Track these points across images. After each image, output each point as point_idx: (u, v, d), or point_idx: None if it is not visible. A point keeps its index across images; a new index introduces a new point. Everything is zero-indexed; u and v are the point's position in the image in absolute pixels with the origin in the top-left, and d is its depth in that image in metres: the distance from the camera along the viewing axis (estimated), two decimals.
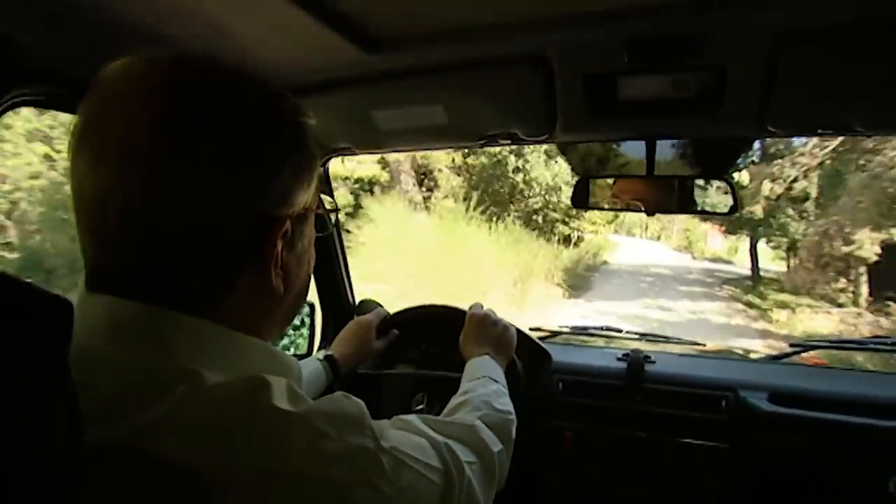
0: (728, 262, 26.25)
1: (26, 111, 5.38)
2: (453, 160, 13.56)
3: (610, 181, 1.44)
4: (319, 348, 1.58)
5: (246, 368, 0.51)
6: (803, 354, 1.63)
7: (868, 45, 0.88)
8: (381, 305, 1.63)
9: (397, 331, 1.44)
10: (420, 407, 1.30)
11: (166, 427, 0.42)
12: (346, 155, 1.55)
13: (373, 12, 0.91)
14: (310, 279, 0.65)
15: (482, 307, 1.28)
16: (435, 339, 1.46)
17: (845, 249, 11.15)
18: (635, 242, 37.62)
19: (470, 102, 1.20)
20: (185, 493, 0.41)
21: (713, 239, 31.78)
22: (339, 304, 1.77)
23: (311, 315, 1.61)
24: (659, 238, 42.96)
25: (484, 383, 0.99)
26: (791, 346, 1.60)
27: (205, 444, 0.42)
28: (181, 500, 0.41)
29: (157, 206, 0.46)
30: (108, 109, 0.47)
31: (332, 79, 1.13)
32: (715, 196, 1.34)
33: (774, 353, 1.68)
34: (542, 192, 15.28)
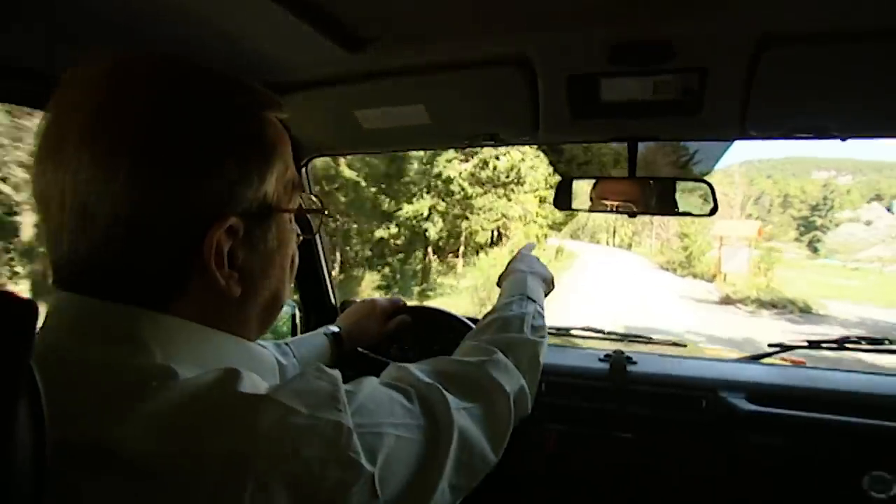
0: (806, 311, 15.59)
1: None
2: None
3: (592, 182, 1.44)
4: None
5: (218, 363, 0.50)
6: (782, 354, 1.65)
7: (847, 52, 0.90)
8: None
9: (409, 319, 1.38)
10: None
11: (137, 424, 0.42)
12: (327, 155, 1.55)
13: (356, 12, 0.91)
14: (287, 284, 0.63)
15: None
16: (420, 343, 1.45)
17: None
18: (600, 253, 30.60)
19: (452, 103, 1.20)
20: (156, 491, 0.40)
21: (732, 253, 21.02)
22: (322, 304, 1.75)
23: (292, 316, 1.60)
24: (630, 246, 35.90)
25: (520, 303, 0.93)
26: (770, 346, 1.62)
27: (173, 438, 0.42)
28: (153, 498, 0.40)
29: (89, 202, 0.47)
30: (54, 113, 0.49)
31: (314, 78, 1.12)
32: (695, 197, 1.35)
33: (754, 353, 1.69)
34: None
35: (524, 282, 1.00)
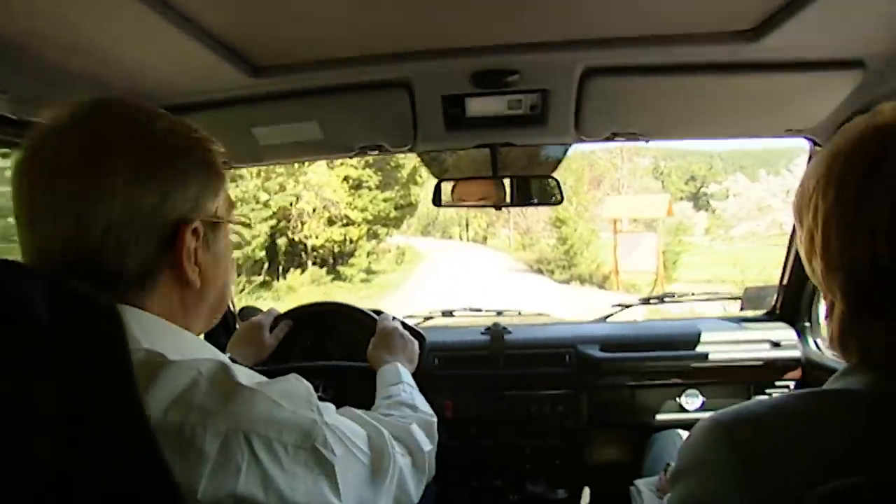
0: None
1: None
2: None
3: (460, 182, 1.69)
4: None
5: (194, 354, 0.62)
6: (625, 311, 2.05)
7: (647, 80, 1.21)
8: (260, 310, 1.73)
9: (290, 322, 1.54)
10: (318, 395, 1.42)
11: (159, 398, 0.53)
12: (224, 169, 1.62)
13: (257, 42, 1.05)
14: (229, 283, 0.77)
15: (391, 318, 1.46)
16: (318, 335, 1.60)
17: None
18: (452, 250, 25.27)
19: (343, 119, 1.37)
20: (175, 452, 0.52)
21: (633, 243, 14.09)
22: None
23: None
24: (485, 239, 30.50)
25: (405, 389, 1.13)
26: (613, 306, 2.02)
27: (190, 413, 0.54)
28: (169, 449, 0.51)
29: (85, 215, 0.58)
30: (40, 147, 0.60)
31: (216, 99, 1.22)
32: (547, 190, 1.65)
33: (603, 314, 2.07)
34: None
35: (397, 372, 1.20)
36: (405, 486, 0.82)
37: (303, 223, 14.11)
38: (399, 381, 1.17)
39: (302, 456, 0.60)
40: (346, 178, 15.25)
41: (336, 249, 15.18)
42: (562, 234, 17.86)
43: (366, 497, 0.72)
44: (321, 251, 14.37)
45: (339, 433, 0.67)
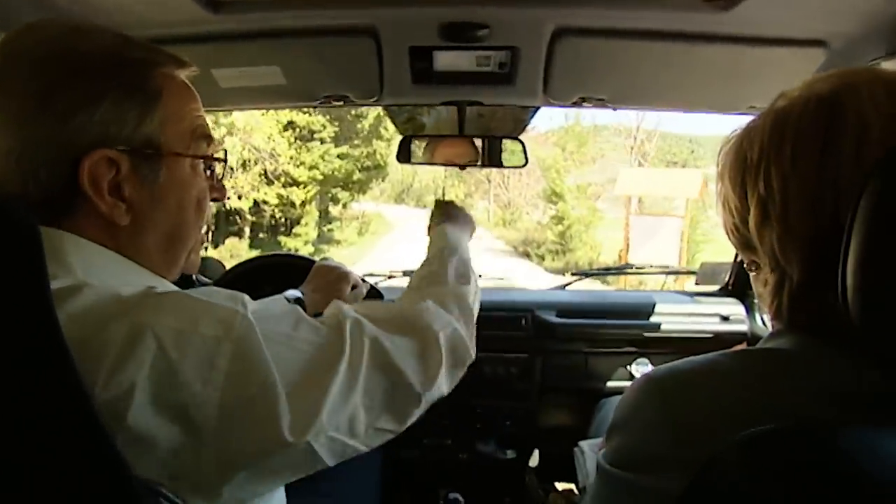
0: None
1: None
2: None
3: (428, 140, 1.67)
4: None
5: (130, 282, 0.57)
6: (582, 282, 2.10)
7: (617, 44, 1.20)
8: (222, 263, 1.69)
9: (371, 288, 1.41)
10: None
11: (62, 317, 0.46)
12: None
13: None
14: (189, 224, 0.68)
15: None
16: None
17: None
18: (418, 222, 16.17)
19: (306, 66, 1.32)
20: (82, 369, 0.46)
21: (649, 229, 10.99)
22: None
23: None
24: None
25: (441, 256, 0.97)
26: (572, 274, 2.06)
27: (90, 322, 0.49)
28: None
29: None
30: None
31: (173, 36, 1.17)
32: (513, 152, 1.64)
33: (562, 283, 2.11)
34: None
35: (444, 234, 1.06)
36: (394, 376, 0.64)
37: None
38: (439, 247, 1.01)
39: (225, 348, 0.52)
40: (290, 125, 12.40)
41: (277, 215, 12.27)
42: (558, 211, 15.09)
43: (318, 381, 0.57)
44: (255, 216, 11.79)
45: (276, 336, 0.56)
